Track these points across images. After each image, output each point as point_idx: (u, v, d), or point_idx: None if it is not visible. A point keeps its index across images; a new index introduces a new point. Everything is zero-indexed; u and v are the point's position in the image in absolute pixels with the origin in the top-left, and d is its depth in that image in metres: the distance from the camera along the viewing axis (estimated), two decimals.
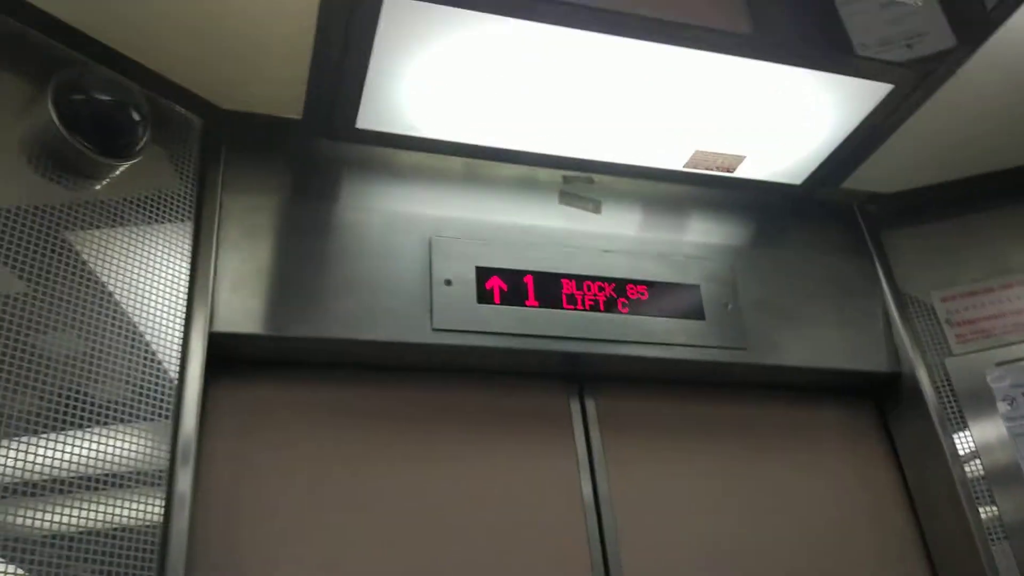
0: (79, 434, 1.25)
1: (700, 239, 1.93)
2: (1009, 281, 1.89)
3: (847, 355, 1.87)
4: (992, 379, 1.81)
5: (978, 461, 1.76)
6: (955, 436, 1.78)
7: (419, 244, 1.69)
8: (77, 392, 1.27)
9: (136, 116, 1.47)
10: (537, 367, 1.75)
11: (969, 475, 1.74)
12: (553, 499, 1.65)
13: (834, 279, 1.97)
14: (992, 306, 1.88)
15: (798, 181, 2.00)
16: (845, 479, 1.87)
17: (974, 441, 1.77)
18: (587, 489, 1.68)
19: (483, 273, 1.69)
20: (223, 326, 1.49)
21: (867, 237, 2.04)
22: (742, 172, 1.95)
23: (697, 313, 1.79)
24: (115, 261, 1.40)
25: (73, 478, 1.22)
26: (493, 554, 1.56)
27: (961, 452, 1.77)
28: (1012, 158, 1.98)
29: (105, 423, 1.28)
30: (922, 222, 2.04)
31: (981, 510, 1.71)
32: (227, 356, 1.53)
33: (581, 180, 1.91)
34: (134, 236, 1.44)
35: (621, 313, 1.73)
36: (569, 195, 1.87)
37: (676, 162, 1.91)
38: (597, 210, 1.87)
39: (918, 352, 1.88)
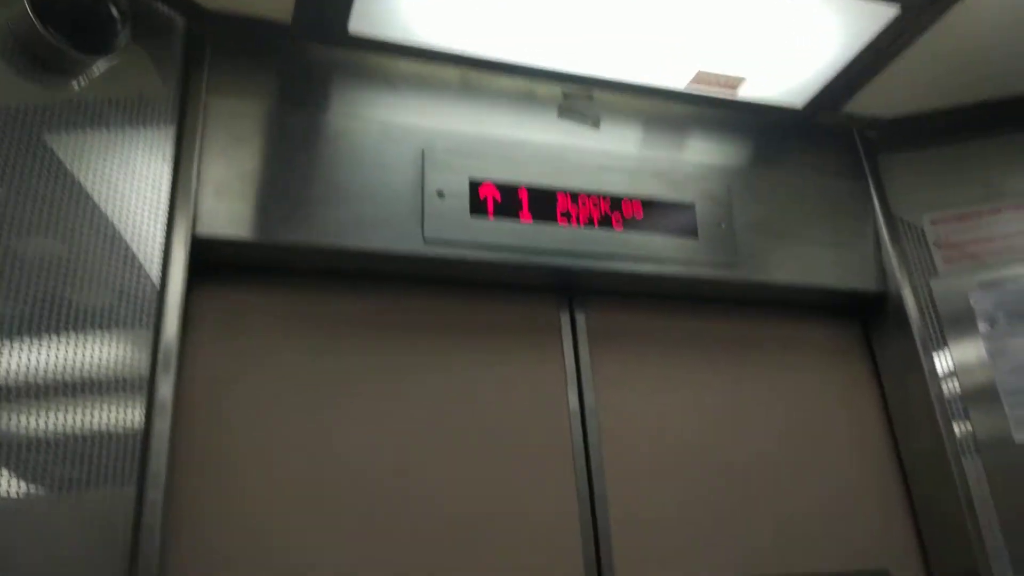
0: (59, 339, 1.24)
1: (698, 158, 1.92)
2: (999, 206, 1.93)
3: (836, 274, 1.91)
4: (975, 300, 1.86)
5: (956, 380, 1.82)
6: (935, 355, 1.84)
7: (412, 155, 1.66)
8: (56, 297, 1.26)
9: (114, 11, 1.42)
10: (529, 281, 1.76)
11: (946, 393, 1.81)
12: (540, 410, 1.69)
13: (828, 201, 1.99)
14: (980, 230, 1.92)
15: (799, 104, 1.98)
16: (827, 394, 1.93)
17: (953, 361, 1.83)
18: (574, 401, 1.72)
19: (476, 185, 1.67)
20: (206, 230, 1.47)
21: (864, 161, 2.06)
22: (744, 94, 1.93)
23: (691, 232, 1.81)
24: (95, 163, 1.37)
25: (53, 383, 1.23)
26: (479, 462, 1.60)
27: (940, 371, 1.83)
28: (1012, 86, 1.99)
29: (85, 328, 1.28)
30: (919, 147, 2.06)
31: (955, 426, 1.78)
32: (210, 261, 1.52)
33: (581, 96, 1.88)
34: (115, 138, 1.41)
35: (615, 230, 1.74)
36: (568, 109, 1.85)
37: (678, 81, 1.88)
38: (596, 126, 1.85)
39: (905, 273, 1.92)
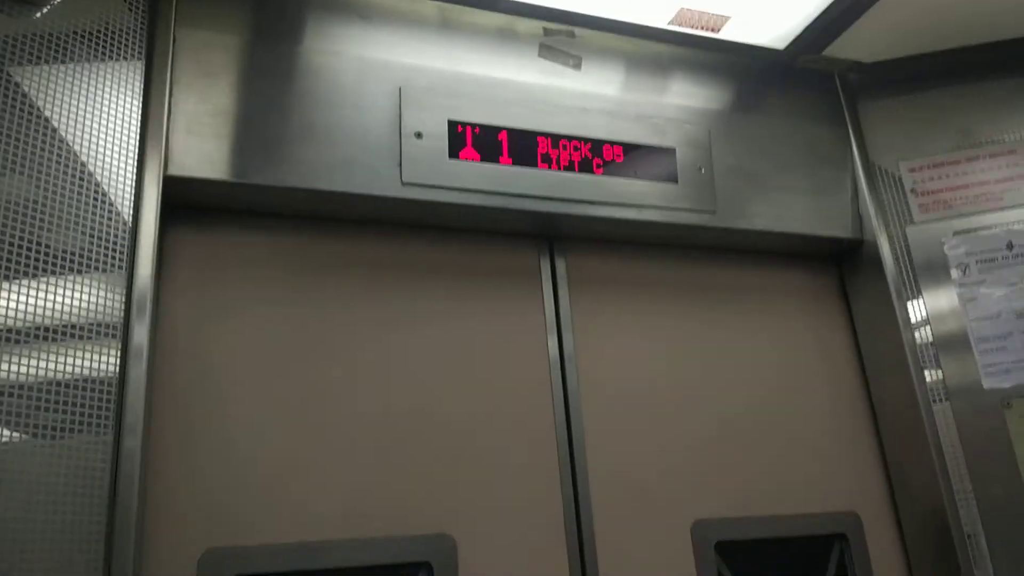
0: (30, 283, 1.23)
1: (680, 101, 1.93)
2: (976, 154, 1.97)
3: (813, 222, 1.95)
4: (948, 247, 1.91)
5: (928, 327, 1.87)
6: (909, 303, 1.89)
7: (388, 93, 1.65)
8: (27, 239, 1.24)
9: None
10: (509, 226, 1.78)
11: (919, 340, 1.87)
12: (520, 355, 1.72)
13: (808, 147, 2.01)
14: (957, 178, 1.96)
15: (781, 46, 2.00)
16: (801, 340, 1.99)
17: (927, 309, 1.89)
18: (553, 346, 1.75)
19: (455, 126, 1.67)
20: (178, 170, 1.45)
21: (844, 106, 2.08)
22: (726, 34, 1.94)
23: (671, 177, 1.82)
24: (62, 98, 1.34)
25: (25, 329, 1.22)
26: (458, 406, 1.63)
27: (913, 319, 1.88)
28: (994, 32, 2.01)
29: (57, 272, 1.27)
30: (899, 93, 2.08)
31: (927, 373, 1.84)
32: (183, 202, 1.51)
33: (562, 33, 1.87)
34: (82, 72, 1.38)
35: (596, 174, 1.75)
36: (549, 49, 1.84)
37: (660, 19, 1.88)
38: (577, 66, 1.85)
39: (881, 221, 1.96)
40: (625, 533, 1.65)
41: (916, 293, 1.90)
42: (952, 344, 1.85)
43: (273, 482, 1.45)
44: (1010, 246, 1.87)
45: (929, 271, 1.91)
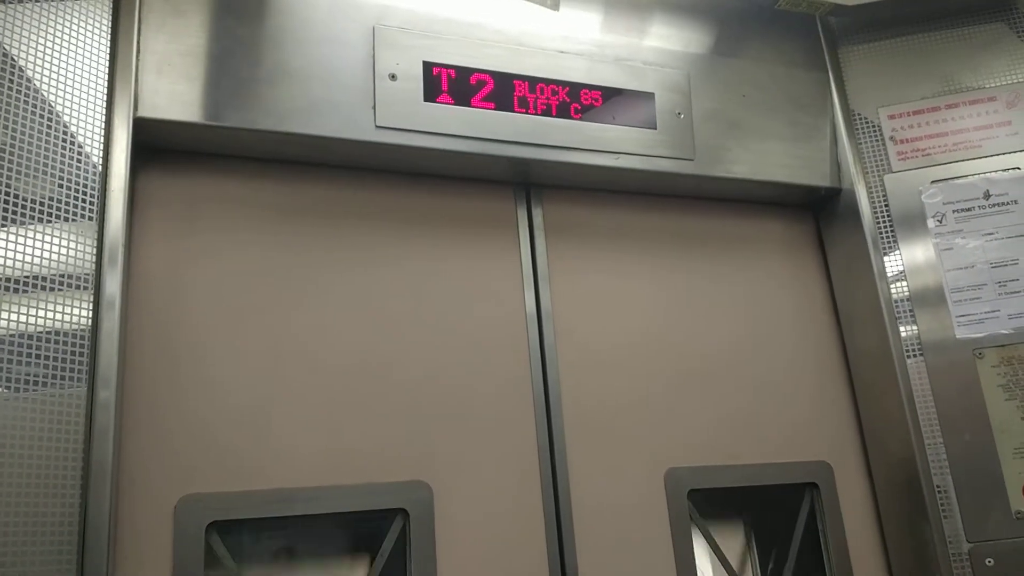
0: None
1: (659, 44, 2.03)
2: (956, 101, 2.10)
3: (792, 169, 2.07)
4: (926, 196, 2.04)
5: (904, 282, 2.00)
6: (885, 253, 2.02)
7: (362, 33, 1.72)
8: None
9: None
10: (485, 172, 1.88)
11: (894, 293, 1.99)
12: (495, 303, 1.84)
13: (787, 93, 2.12)
14: (935, 125, 2.09)
15: None
16: (778, 289, 2.13)
17: (903, 259, 2.01)
18: (529, 294, 1.87)
19: (431, 68, 1.75)
20: (148, 111, 1.53)
21: (825, 51, 2.19)
22: None
23: (650, 122, 1.93)
24: (29, 37, 1.40)
25: None
26: (433, 354, 1.75)
27: (889, 271, 2.01)
28: None
29: (26, 220, 1.33)
30: (880, 38, 2.19)
31: (901, 327, 1.97)
32: (154, 145, 1.59)
33: None
34: (48, 11, 1.44)
35: (573, 119, 1.85)
36: None
37: None
38: (555, 7, 1.93)
39: (860, 169, 2.08)
40: (599, 481, 1.80)
41: (893, 243, 2.03)
42: (927, 297, 1.99)
43: (250, 430, 1.56)
44: (987, 195, 2.01)
45: (906, 221, 2.04)
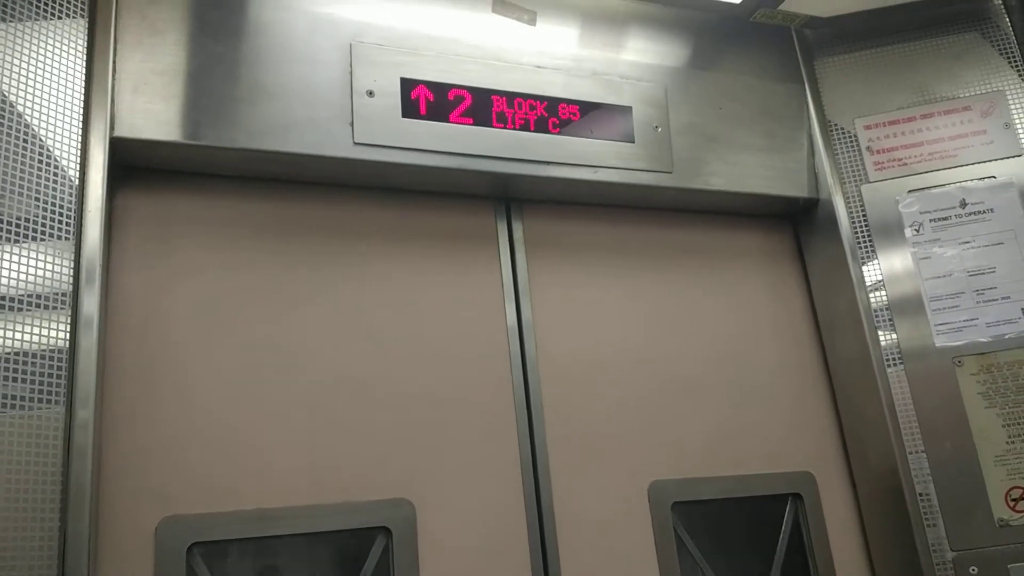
0: None
1: (635, 58, 2.08)
2: (931, 111, 2.17)
3: (769, 180, 2.13)
4: (903, 206, 2.11)
5: (883, 291, 2.05)
6: (863, 263, 2.08)
7: (339, 50, 1.77)
8: None
9: None
10: (464, 187, 1.92)
11: (873, 303, 2.05)
12: (477, 319, 1.88)
13: (764, 105, 2.19)
14: (911, 135, 2.16)
15: None
16: (758, 301, 2.19)
17: (881, 269, 2.07)
18: (510, 309, 1.92)
19: (408, 85, 1.80)
20: (125, 131, 1.56)
21: (800, 63, 2.26)
22: None
23: (627, 136, 1.98)
24: (5, 57, 1.43)
25: None
26: (414, 371, 1.78)
27: (868, 279, 2.07)
28: None
29: (3, 240, 1.36)
30: (855, 49, 2.26)
31: (881, 336, 2.02)
32: (131, 164, 1.63)
33: None
34: (24, 31, 1.47)
35: (552, 133, 1.90)
36: (504, 4, 1.96)
37: None
38: (532, 22, 1.99)
39: (837, 180, 2.15)
40: (583, 495, 1.84)
41: (871, 253, 2.09)
42: (906, 305, 2.04)
43: (230, 449, 1.59)
44: (963, 204, 2.08)
45: (884, 230, 2.10)
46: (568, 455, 1.85)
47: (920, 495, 1.91)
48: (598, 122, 1.96)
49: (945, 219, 2.08)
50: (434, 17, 1.89)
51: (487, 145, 1.83)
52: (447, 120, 1.81)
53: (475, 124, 1.83)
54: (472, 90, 1.85)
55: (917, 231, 2.08)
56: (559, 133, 1.90)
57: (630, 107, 2.00)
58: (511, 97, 1.88)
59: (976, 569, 1.87)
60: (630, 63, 2.07)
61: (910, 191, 2.11)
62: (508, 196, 2.00)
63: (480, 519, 1.74)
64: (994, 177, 2.09)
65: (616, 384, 1.96)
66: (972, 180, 2.10)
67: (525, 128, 1.87)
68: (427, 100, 1.80)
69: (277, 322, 1.70)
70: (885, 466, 1.97)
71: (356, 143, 1.72)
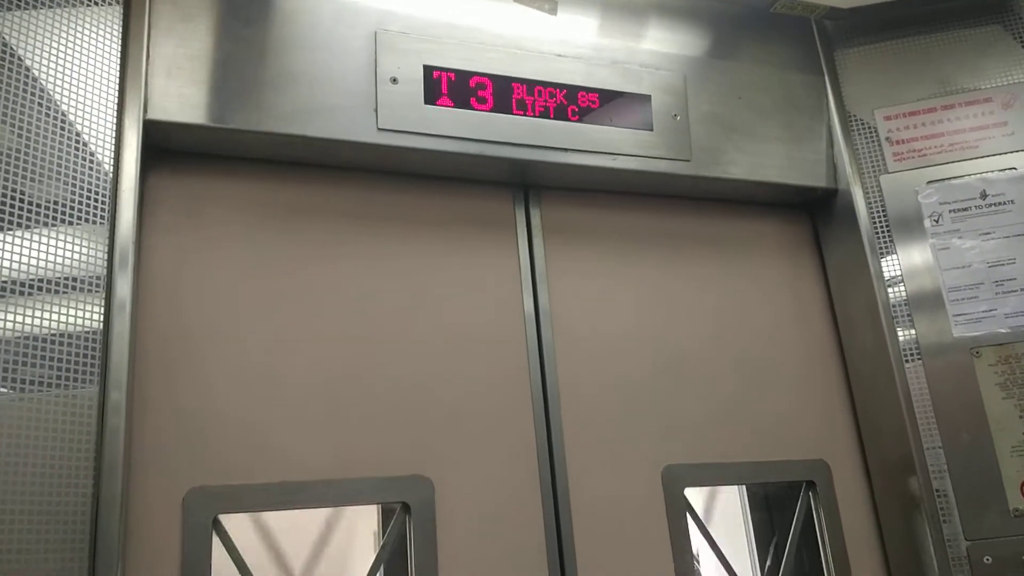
0: (13, 235, 1.38)
1: (655, 47, 2.11)
2: (951, 102, 2.18)
3: (788, 170, 2.15)
4: (922, 196, 2.12)
5: (901, 284, 2.07)
6: (882, 254, 2.09)
7: (364, 37, 1.82)
8: (9, 190, 1.39)
9: None
10: (484, 173, 1.97)
11: (892, 296, 2.06)
12: (495, 303, 1.92)
13: (783, 95, 2.21)
14: (931, 126, 2.17)
15: None
16: (775, 290, 2.21)
17: (900, 261, 2.08)
18: (528, 294, 1.96)
19: (431, 72, 1.84)
20: (158, 114, 1.62)
21: (820, 54, 2.27)
22: None
23: (646, 124, 2.02)
24: (42, 44, 1.50)
25: (8, 282, 1.36)
26: (434, 352, 1.84)
27: (886, 272, 2.08)
28: None
29: (38, 223, 1.41)
30: (875, 40, 2.28)
31: (899, 329, 2.04)
32: (164, 146, 1.69)
33: None
34: (60, 17, 1.53)
35: (571, 121, 1.94)
36: None
37: None
38: (553, 11, 2.03)
39: (856, 170, 2.16)
40: (598, 478, 1.87)
41: (889, 243, 2.10)
42: (925, 297, 2.05)
43: (255, 426, 1.64)
44: (983, 195, 2.09)
45: (903, 221, 2.11)
46: (583, 438, 1.89)
47: (935, 488, 1.92)
48: (617, 110, 1.99)
49: (965, 210, 2.09)
50: (457, 6, 1.93)
51: (507, 132, 1.87)
52: (468, 107, 1.85)
53: (495, 111, 1.87)
54: (493, 77, 1.89)
55: (936, 222, 2.09)
56: (578, 121, 1.94)
57: (649, 96, 2.03)
58: (531, 85, 1.92)
59: (990, 559, 1.88)
60: (650, 52, 2.10)
61: (929, 182, 2.12)
62: (527, 183, 2.04)
63: (496, 498, 1.78)
64: (1015, 169, 2.10)
65: (631, 370, 1.99)
66: (992, 171, 2.10)
67: (545, 115, 1.91)
68: (449, 87, 1.85)
69: (301, 302, 1.75)
70: (900, 456, 1.98)
71: (379, 129, 1.77)
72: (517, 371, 1.90)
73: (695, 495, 1.96)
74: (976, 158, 2.13)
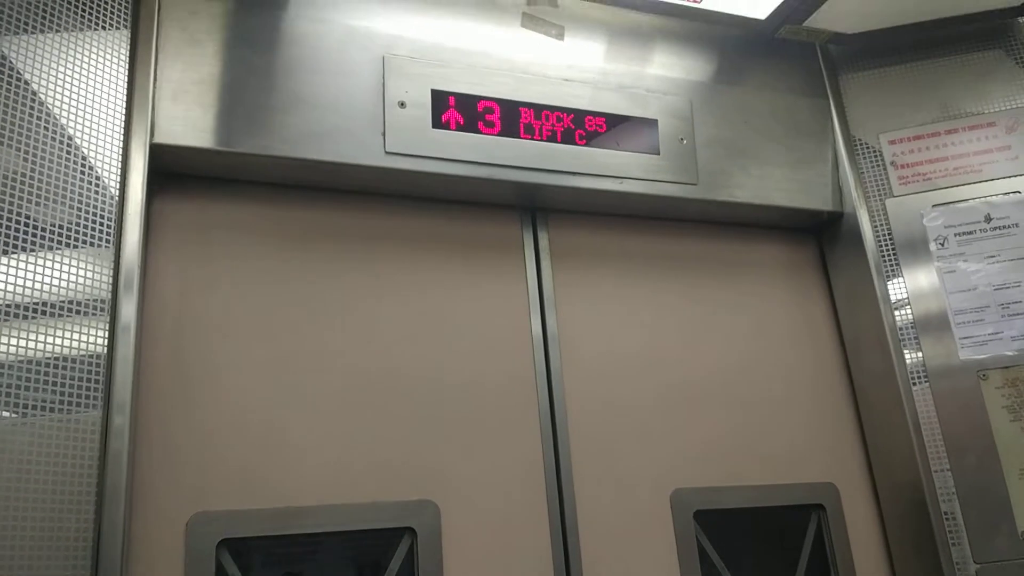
0: (18, 258, 1.35)
1: (661, 72, 2.10)
2: (955, 126, 2.16)
3: (794, 194, 2.13)
4: (927, 220, 2.10)
5: (908, 308, 2.04)
6: (888, 277, 2.07)
7: (372, 62, 1.80)
8: (15, 213, 1.36)
9: None
10: (491, 197, 1.95)
11: (899, 320, 2.04)
12: (502, 325, 1.90)
13: (789, 119, 2.19)
14: (936, 150, 2.15)
15: (763, 15, 2.14)
16: (782, 313, 2.18)
17: (906, 284, 2.06)
18: (535, 317, 1.93)
19: (439, 96, 1.83)
20: (164, 138, 1.60)
21: (825, 78, 2.26)
22: (708, 3, 2.10)
23: (653, 148, 2.00)
24: (49, 68, 1.48)
25: (12, 305, 1.34)
26: (440, 376, 1.80)
27: (893, 295, 2.05)
28: (975, 3, 2.16)
29: (43, 246, 1.39)
30: (880, 65, 2.27)
31: (907, 352, 2.01)
32: (170, 170, 1.66)
33: (545, 3, 2.03)
34: (67, 41, 1.51)
35: (578, 145, 1.92)
36: (532, 18, 2.00)
37: None
38: (560, 36, 2.01)
39: (861, 194, 2.14)
40: (605, 500, 1.84)
41: (895, 266, 2.08)
42: (931, 321, 2.03)
43: (261, 450, 1.61)
44: (988, 219, 2.07)
45: (908, 244, 2.09)
46: (591, 462, 1.85)
47: (944, 511, 1.89)
48: (624, 134, 1.97)
49: (970, 233, 2.07)
50: (464, 31, 1.92)
51: (514, 155, 1.85)
52: (476, 131, 1.83)
53: (503, 135, 1.86)
54: (501, 102, 1.88)
55: (942, 245, 2.07)
56: (585, 145, 1.92)
57: (656, 120, 2.02)
58: (539, 109, 1.90)
59: None
60: (656, 77, 2.09)
61: (935, 205, 2.10)
62: (534, 206, 2.01)
63: (504, 524, 1.74)
64: (1019, 192, 2.08)
65: (639, 393, 1.96)
66: (997, 195, 2.08)
67: (552, 139, 1.90)
68: (457, 111, 1.83)
69: (307, 326, 1.73)
70: (909, 479, 1.95)
71: (387, 152, 1.75)
72: (525, 393, 1.86)
73: (704, 518, 1.92)
74: (980, 182, 2.11)
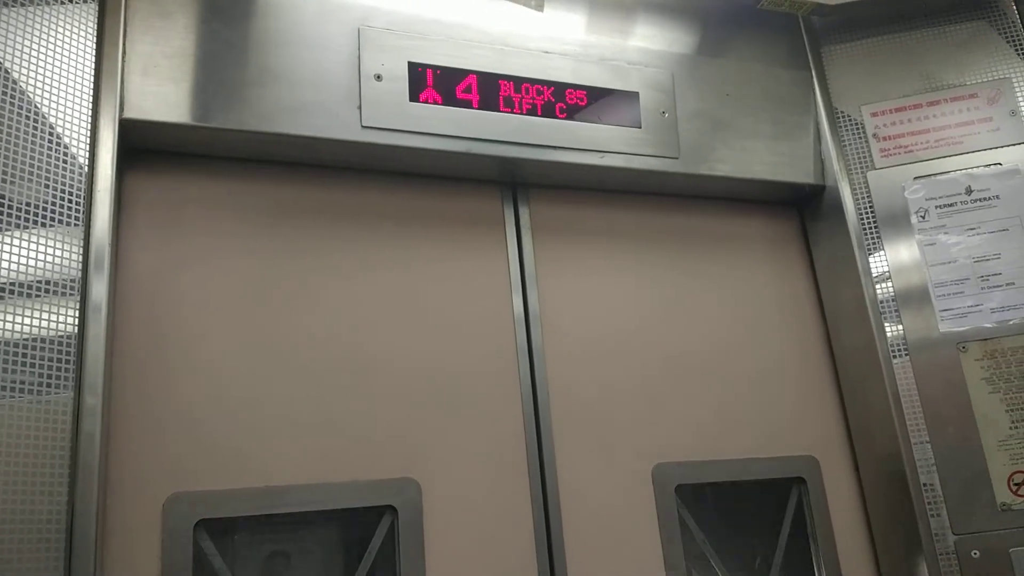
0: None
1: (643, 44, 2.03)
2: (937, 98, 2.11)
3: (776, 167, 2.08)
4: (908, 192, 2.05)
5: (888, 281, 2.00)
6: (869, 250, 2.03)
7: (347, 34, 1.73)
8: None
9: None
10: (471, 171, 1.88)
11: (879, 293, 2.00)
12: (483, 302, 1.84)
13: (771, 91, 2.13)
14: (918, 122, 2.10)
15: None
16: (764, 287, 2.14)
17: (887, 257, 2.02)
18: (516, 292, 1.88)
19: (416, 69, 1.75)
20: (135, 112, 1.53)
21: (808, 50, 2.20)
22: None
23: (634, 121, 1.94)
24: (16, 41, 1.40)
25: None
26: (421, 352, 1.75)
27: (874, 267, 2.01)
28: None
29: (11, 225, 1.33)
30: (862, 36, 2.21)
31: (887, 327, 1.97)
32: (141, 146, 1.60)
33: None
34: (34, 14, 1.44)
35: (559, 118, 1.85)
36: None
37: None
38: (540, 8, 1.94)
39: (843, 167, 2.09)
40: (587, 477, 1.80)
41: (876, 239, 2.04)
42: (911, 293, 2.00)
43: (238, 428, 1.56)
44: (969, 191, 2.02)
45: (890, 216, 2.05)
46: (573, 437, 1.81)
47: (923, 482, 1.86)
48: (605, 107, 1.91)
49: (951, 205, 2.02)
50: (442, 2, 1.84)
51: (494, 129, 1.79)
52: (454, 104, 1.76)
53: (482, 108, 1.79)
54: (479, 74, 1.80)
55: (923, 217, 2.02)
56: (566, 118, 1.86)
57: (637, 93, 1.95)
58: (518, 82, 1.83)
59: (978, 553, 1.82)
60: (637, 49, 2.02)
61: (916, 178, 2.06)
62: (515, 181, 1.95)
63: (485, 499, 1.70)
64: (1000, 164, 2.03)
65: (621, 367, 1.92)
66: (978, 167, 2.04)
67: (532, 113, 1.83)
68: (434, 84, 1.76)
69: (284, 303, 1.66)
70: (889, 451, 1.92)
71: (364, 126, 1.68)
72: (506, 369, 1.81)
73: (686, 493, 1.88)
74: (962, 154, 2.07)
